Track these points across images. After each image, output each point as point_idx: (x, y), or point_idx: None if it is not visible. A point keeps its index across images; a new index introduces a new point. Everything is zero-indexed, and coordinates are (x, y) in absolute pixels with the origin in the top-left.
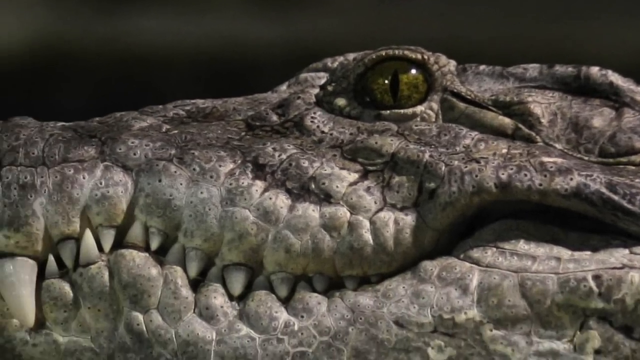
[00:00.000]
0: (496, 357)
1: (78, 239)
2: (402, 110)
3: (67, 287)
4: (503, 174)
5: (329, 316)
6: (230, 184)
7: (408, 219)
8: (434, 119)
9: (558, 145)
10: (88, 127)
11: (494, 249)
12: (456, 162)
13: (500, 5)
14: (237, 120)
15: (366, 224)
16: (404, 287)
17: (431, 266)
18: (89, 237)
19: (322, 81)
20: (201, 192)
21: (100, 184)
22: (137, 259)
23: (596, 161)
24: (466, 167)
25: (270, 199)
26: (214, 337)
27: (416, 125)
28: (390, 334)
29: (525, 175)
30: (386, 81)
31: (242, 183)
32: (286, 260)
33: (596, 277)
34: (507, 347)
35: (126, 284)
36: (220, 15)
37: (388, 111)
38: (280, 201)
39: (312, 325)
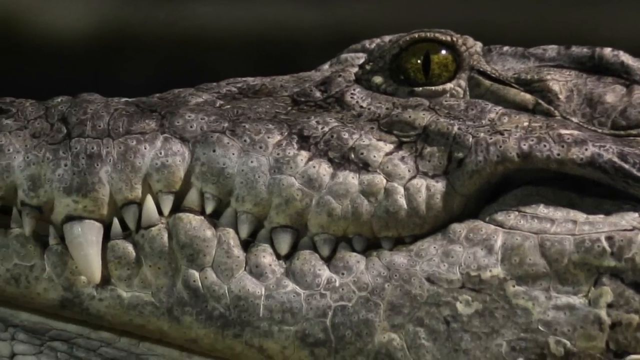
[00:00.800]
0: (518, 311)
1: (140, 204)
2: (433, 87)
3: (130, 247)
4: (524, 144)
5: (367, 273)
6: (278, 154)
7: (438, 186)
8: (462, 95)
9: (574, 119)
10: (149, 102)
11: (516, 213)
12: (482, 134)
13: None
14: (284, 96)
15: (401, 190)
16: (434, 247)
17: (459, 228)
18: (150, 202)
19: (361, 61)
20: (251, 161)
21: (160, 154)
22: (193, 222)
23: (609, 133)
24: (491, 138)
25: (314, 167)
26: (263, 293)
27: (446, 101)
28: (423, 289)
29: (545, 146)
30: (419, 61)
31: (289, 153)
32: (328, 223)
33: (609, 238)
34: (528, 301)
35: (183, 244)
36: (269, 2)
37: (420, 88)
38: (323, 169)
39: (351, 281)
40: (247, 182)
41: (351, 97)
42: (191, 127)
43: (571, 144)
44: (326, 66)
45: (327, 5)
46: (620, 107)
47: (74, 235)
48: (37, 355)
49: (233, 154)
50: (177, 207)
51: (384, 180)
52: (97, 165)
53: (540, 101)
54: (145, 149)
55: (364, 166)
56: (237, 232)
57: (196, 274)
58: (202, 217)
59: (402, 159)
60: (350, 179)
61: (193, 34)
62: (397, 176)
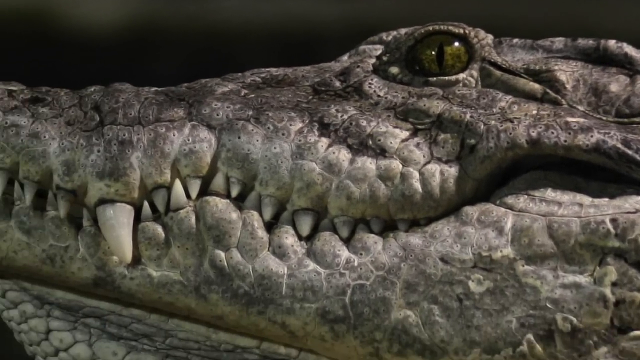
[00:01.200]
0: (527, 289)
1: (169, 188)
2: (446, 77)
3: (159, 229)
4: (533, 132)
5: (384, 254)
6: (300, 140)
7: (452, 170)
8: (474, 85)
9: (580, 107)
10: (177, 91)
11: (526, 196)
12: (493, 122)
13: None
14: (305, 86)
15: (416, 174)
16: (448, 229)
17: (472, 211)
18: (178, 186)
19: (378, 52)
20: (274, 147)
21: (188, 140)
22: (219, 205)
23: (613, 121)
24: (501, 126)
25: (334, 153)
26: (286, 272)
27: (459, 90)
28: (437, 269)
29: (552, 133)
30: (433, 52)
31: (310, 139)
32: (347, 206)
33: (613, 220)
34: (537, 280)
35: (210, 226)
36: None
37: (434, 78)
38: (342, 155)
39: (369, 261)
40: (270, 167)
41: (369, 87)
42: (217, 115)
43: (577, 131)
44: (345, 57)
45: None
46: (624, 96)
47: (106, 217)
48: (71, 331)
49: (257, 140)
50: (204, 191)
51: (400, 166)
52: (128, 151)
53: (548, 90)
54: (174, 135)
55: (381, 152)
56: (261, 215)
57: (222, 254)
58: (228, 201)
59: (417, 145)
60: (368, 164)
61: (220, 27)
62: (413, 161)
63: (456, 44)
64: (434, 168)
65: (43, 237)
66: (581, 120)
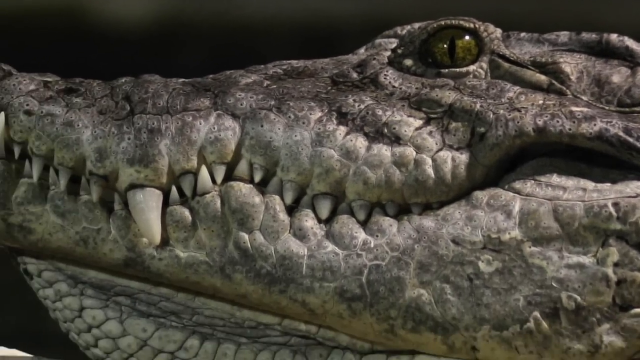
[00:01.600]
0: (534, 269)
1: (195, 174)
2: (457, 69)
3: (186, 212)
4: (539, 120)
5: (398, 235)
6: (319, 129)
7: (463, 157)
8: (483, 76)
9: (584, 98)
10: (203, 82)
11: (532, 181)
12: (501, 111)
13: None
14: (324, 77)
15: (429, 161)
16: (459, 212)
17: (481, 195)
18: (204, 172)
19: (393, 45)
20: (295, 135)
21: (214, 128)
22: (243, 189)
23: (615, 110)
24: (510, 115)
25: (351, 140)
26: (306, 253)
27: (469, 81)
28: (448, 250)
29: (558, 121)
30: (445, 45)
31: (329, 128)
32: (364, 190)
33: (615, 204)
34: (543, 260)
35: (234, 209)
36: None
37: (446, 70)
38: (359, 142)
39: (385, 243)
40: (291, 154)
41: (384, 78)
42: (241, 104)
43: (581, 120)
44: (362, 50)
45: None
46: (625, 87)
47: (136, 201)
48: (103, 309)
49: (279, 128)
50: (229, 177)
51: (414, 152)
52: (157, 139)
53: (553, 81)
54: (200, 124)
55: (396, 140)
56: (282, 199)
57: (246, 236)
58: (251, 186)
59: (430, 133)
60: (384, 151)
61: (243, 21)
62: (426, 149)
63: (467, 37)
64: (446, 155)
65: (77, 220)
66: (585, 109)
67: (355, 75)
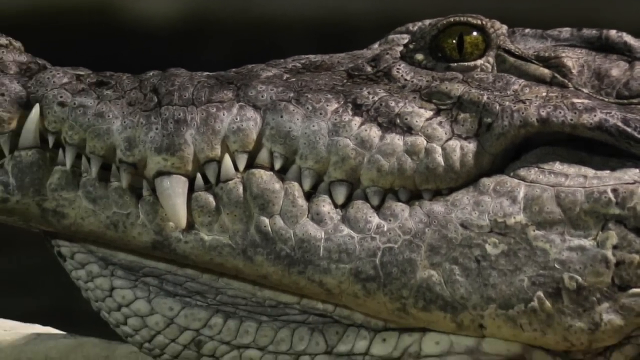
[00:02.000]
0: (538, 251)
1: (219, 162)
2: (466, 63)
3: (210, 198)
4: (543, 111)
5: (410, 220)
6: (335, 119)
7: (470, 146)
8: (490, 70)
9: (585, 90)
10: (227, 76)
11: (536, 169)
12: (507, 103)
13: None
14: (340, 71)
15: (439, 149)
16: (467, 198)
17: (488, 182)
18: (227, 160)
19: (405, 41)
20: (313, 125)
21: (236, 119)
22: (264, 176)
23: (614, 102)
24: (515, 106)
25: (366, 130)
26: (323, 236)
27: (477, 75)
28: (457, 233)
29: (560, 112)
30: (454, 41)
31: (344, 118)
32: (377, 177)
33: (614, 190)
34: (546, 243)
35: (256, 195)
36: None
37: (455, 64)
38: (373, 132)
39: (397, 227)
40: (309, 143)
41: (397, 72)
42: (262, 96)
43: (582, 111)
44: (376, 45)
45: None
46: (624, 80)
47: (163, 187)
48: (132, 289)
49: (298, 119)
50: (250, 164)
51: (425, 142)
52: (183, 128)
53: (556, 75)
54: (223, 115)
55: (408, 130)
56: (300, 185)
57: (266, 220)
58: (272, 173)
59: (440, 123)
60: (396, 140)
61: (264, 18)
62: (436, 138)
63: (474, 33)
64: (455, 144)
65: (107, 205)
66: (585, 101)
67: (369, 69)
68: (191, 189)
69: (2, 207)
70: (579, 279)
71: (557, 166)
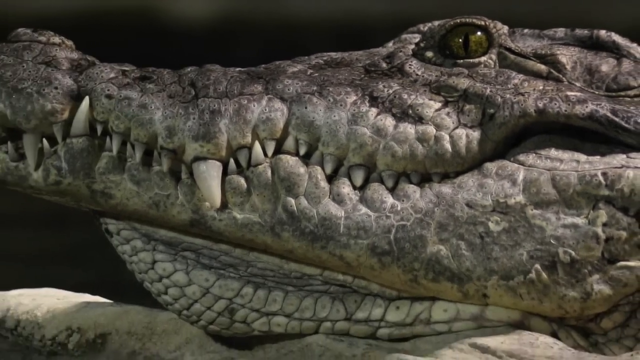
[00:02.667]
0: (535, 229)
1: (250, 148)
2: (471, 60)
3: (242, 181)
4: (540, 103)
5: (421, 200)
6: (354, 110)
7: (475, 134)
8: (493, 66)
9: (577, 84)
10: (257, 71)
11: (534, 154)
12: (508, 95)
13: None
14: (359, 67)
15: (447, 137)
16: (472, 180)
17: (491, 166)
18: (257, 147)
19: (417, 40)
20: (334, 116)
21: (265, 110)
22: (290, 161)
23: (603, 95)
24: (515, 98)
25: (381, 120)
26: (343, 215)
27: (481, 70)
28: (463, 212)
29: (555, 104)
30: (460, 40)
31: (362, 109)
32: (392, 162)
33: (604, 174)
34: (543, 221)
35: (283, 178)
36: None
37: (461, 60)
38: (388, 122)
39: (409, 206)
40: (330, 132)
41: (409, 67)
42: (289, 90)
43: (575, 103)
44: (390, 44)
45: None
46: (612, 75)
47: (200, 171)
48: (172, 262)
49: (320, 110)
50: (278, 150)
51: (434, 130)
52: (218, 118)
53: (551, 70)
54: (254, 106)
55: (419, 119)
56: (323, 169)
57: (292, 200)
58: (297, 158)
59: (448, 114)
60: (409, 129)
61: (290, 20)
62: (444, 127)
63: (479, 33)
64: (461, 132)
65: (149, 187)
66: (578, 94)
67: (384, 65)
68: (225, 173)
69: (56, 188)
70: (572, 253)
71: (553, 152)
